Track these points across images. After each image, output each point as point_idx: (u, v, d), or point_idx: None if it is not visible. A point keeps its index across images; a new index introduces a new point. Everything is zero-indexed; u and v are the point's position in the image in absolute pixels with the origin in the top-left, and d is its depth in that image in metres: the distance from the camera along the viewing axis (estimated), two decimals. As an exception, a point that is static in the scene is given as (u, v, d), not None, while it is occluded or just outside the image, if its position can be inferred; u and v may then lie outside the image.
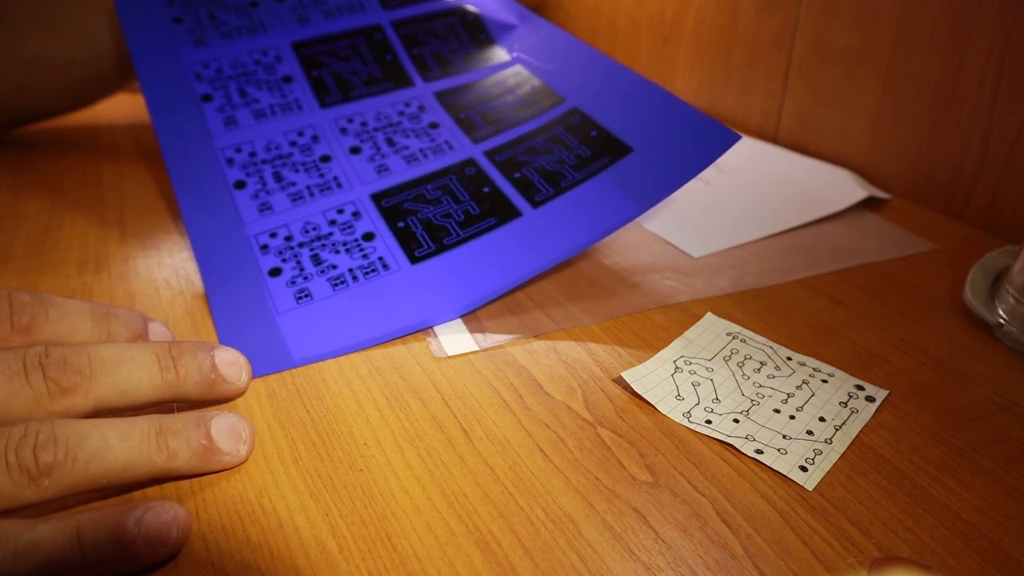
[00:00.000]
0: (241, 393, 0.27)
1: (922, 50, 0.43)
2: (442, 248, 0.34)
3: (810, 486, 0.25)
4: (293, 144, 0.40)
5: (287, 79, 0.42)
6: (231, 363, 0.27)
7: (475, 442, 0.26)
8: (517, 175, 0.37)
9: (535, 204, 0.35)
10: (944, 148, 0.43)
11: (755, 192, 0.45)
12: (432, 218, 0.36)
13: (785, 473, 0.25)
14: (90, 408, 0.24)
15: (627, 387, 0.29)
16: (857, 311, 0.34)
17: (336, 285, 0.33)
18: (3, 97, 0.47)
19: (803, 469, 0.25)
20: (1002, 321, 0.32)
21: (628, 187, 0.34)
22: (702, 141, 0.35)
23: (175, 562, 0.22)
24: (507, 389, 0.29)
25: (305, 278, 0.33)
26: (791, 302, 0.35)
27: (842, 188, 0.45)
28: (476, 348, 0.31)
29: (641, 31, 0.65)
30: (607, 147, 0.37)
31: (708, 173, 0.48)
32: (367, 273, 0.33)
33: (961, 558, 0.22)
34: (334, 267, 0.34)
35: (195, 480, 0.24)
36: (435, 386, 0.29)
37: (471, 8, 0.47)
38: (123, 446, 0.23)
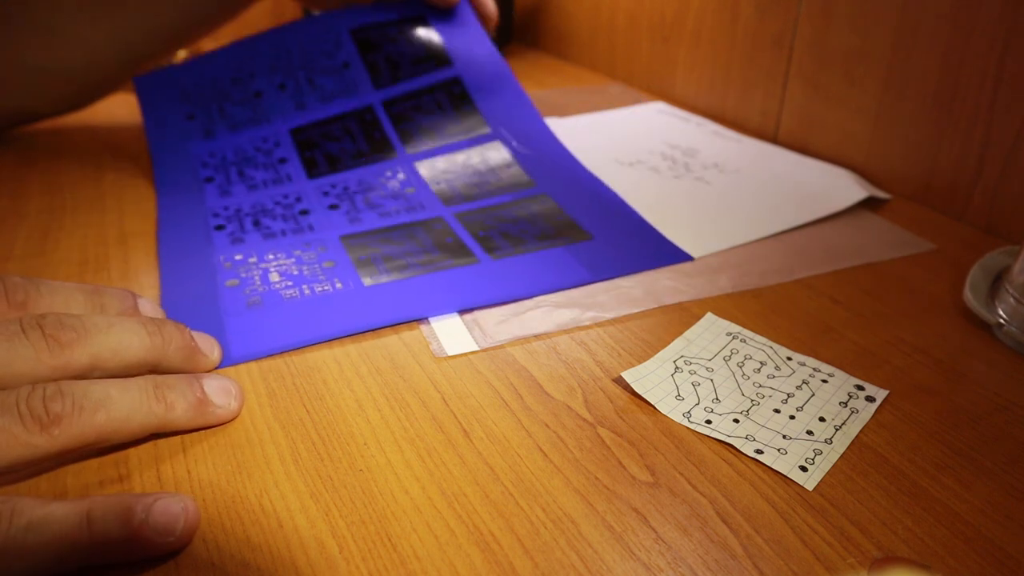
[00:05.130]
0: (216, 364, 0.29)
1: (922, 50, 0.43)
2: (397, 276, 0.35)
3: (810, 486, 0.25)
4: (277, 203, 0.42)
5: (282, 160, 0.46)
6: (205, 339, 0.29)
7: (475, 442, 0.26)
8: (481, 234, 0.39)
9: (494, 256, 0.37)
10: (944, 148, 0.43)
11: (755, 192, 0.45)
12: (393, 255, 0.37)
13: (785, 473, 0.25)
14: (87, 363, 0.25)
15: (627, 387, 0.29)
16: (857, 311, 0.34)
17: (288, 297, 0.34)
18: (1, 103, 0.47)
19: (803, 469, 0.25)
20: (1002, 321, 0.32)
21: (584, 261, 0.37)
22: (657, 252, 0.38)
23: (175, 561, 0.22)
24: (507, 389, 0.29)
25: (260, 289, 0.34)
26: (791, 302, 0.35)
27: (842, 188, 0.45)
28: (476, 348, 0.31)
29: (641, 31, 0.65)
30: (569, 230, 0.40)
31: (709, 173, 0.48)
32: (320, 290, 0.34)
33: (961, 558, 0.22)
34: (289, 283, 0.35)
35: (195, 480, 0.24)
36: (435, 386, 0.29)
37: (458, 77, 0.50)
38: (124, 397, 0.24)
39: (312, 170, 0.45)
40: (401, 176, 0.44)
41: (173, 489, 0.24)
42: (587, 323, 0.33)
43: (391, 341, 0.32)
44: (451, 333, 0.32)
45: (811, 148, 0.52)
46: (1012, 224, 0.41)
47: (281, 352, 0.31)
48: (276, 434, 0.26)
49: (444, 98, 0.49)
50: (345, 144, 0.46)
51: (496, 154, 0.46)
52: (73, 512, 0.21)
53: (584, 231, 0.39)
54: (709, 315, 0.33)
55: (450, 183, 0.44)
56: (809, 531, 0.23)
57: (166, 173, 0.45)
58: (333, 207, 0.42)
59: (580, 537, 0.23)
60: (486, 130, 0.48)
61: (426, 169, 0.45)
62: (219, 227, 0.40)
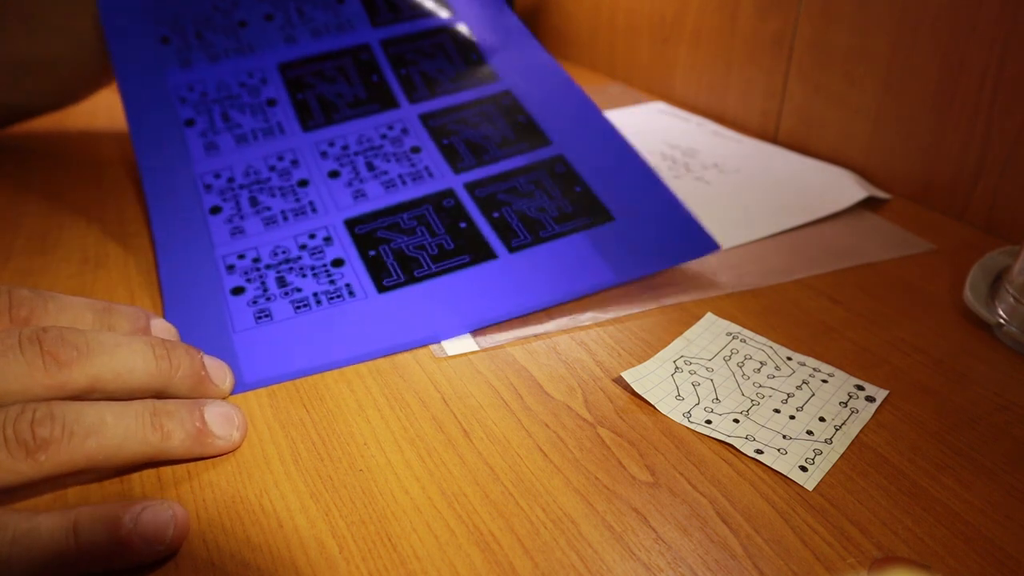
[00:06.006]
0: (227, 394, 0.28)
1: (922, 50, 0.43)
2: (412, 280, 0.34)
3: (810, 486, 0.25)
4: (272, 169, 0.39)
5: (271, 102, 0.42)
6: (218, 367, 0.28)
7: (475, 442, 0.26)
8: (496, 215, 0.37)
9: (512, 249, 0.35)
10: (944, 148, 0.43)
11: (755, 192, 0.45)
12: (404, 248, 0.35)
13: (785, 473, 0.25)
14: (85, 385, 0.23)
15: (627, 387, 0.29)
16: (857, 311, 0.34)
17: (298, 307, 0.32)
18: None
19: (803, 469, 0.25)
20: (1002, 321, 0.32)
21: (606, 254, 0.35)
22: (682, 238, 0.36)
23: (175, 562, 0.22)
24: (507, 389, 0.29)
25: (268, 299, 0.33)
26: (791, 302, 0.35)
27: (842, 188, 0.45)
28: (476, 348, 0.31)
29: (641, 31, 0.66)
30: (589, 208, 0.37)
31: (708, 173, 0.48)
32: (332, 298, 0.33)
33: (961, 558, 0.22)
34: (299, 290, 0.33)
35: (195, 480, 0.24)
36: (435, 386, 0.29)
37: (463, 26, 0.46)
38: (119, 424, 0.23)
39: (307, 120, 0.41)
40: (405, 132, 0.41)
41: (173, 488, 0.24)
42: (586, 323, 0.33)
43: (391, 341, 0.32)
44: (451, 333, 0.32)
45: (811, 148, 0.52)
46: (1012, 224, 0.41)
47: (298, 377, 0.29)
48: (276, 434, 0.26)
49: (448, 41, 0.45)
50: (340, 87, 0.42)
51: (506, 105, 0.43)
52: (59, 525, 0.20)
53: (605, 209, 0.37)
54: (709, 315, 0.33)
55: (458, 140, 0.41)
56: (809, 531, 0.23)
57: (140, 113, 0.41)
58: (334, 174, 0.38)
59: (580, 537, 0.23)
60: (494, 79, 0.44)
61: (431, 123, 0.41)
62: (215, 209, 0.37)
